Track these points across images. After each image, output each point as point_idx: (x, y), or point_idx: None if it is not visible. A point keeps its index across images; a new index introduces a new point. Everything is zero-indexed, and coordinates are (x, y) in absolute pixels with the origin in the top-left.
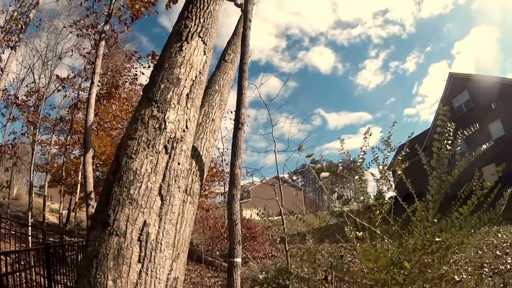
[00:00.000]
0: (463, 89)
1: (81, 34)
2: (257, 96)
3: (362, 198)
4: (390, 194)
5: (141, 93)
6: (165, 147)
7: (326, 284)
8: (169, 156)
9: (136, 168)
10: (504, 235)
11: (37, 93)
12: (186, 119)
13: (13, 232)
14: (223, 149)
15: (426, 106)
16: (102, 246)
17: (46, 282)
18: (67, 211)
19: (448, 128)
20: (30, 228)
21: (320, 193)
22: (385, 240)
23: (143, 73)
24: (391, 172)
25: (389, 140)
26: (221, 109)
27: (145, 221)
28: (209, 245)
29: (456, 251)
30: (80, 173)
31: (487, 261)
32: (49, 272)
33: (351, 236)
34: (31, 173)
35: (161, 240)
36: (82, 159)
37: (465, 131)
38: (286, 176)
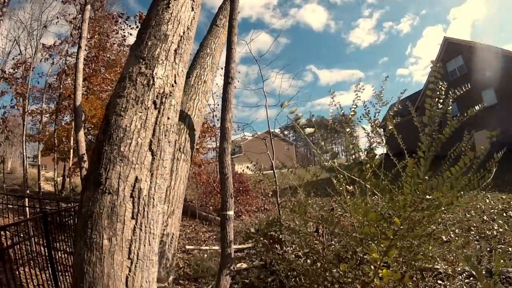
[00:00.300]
0: (458, 55)
1: (66, 0)
2: (248, 52)
3: (353, 152)
4: (380, 151)
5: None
6: (154, 102)
7: (316, 236)
8: (158, 111)
9: (126, 125)
10: (492, 201)
11: (24, 64)
12: (175, 74)
13: (11, 206)
14: (214, 105)
15: (419, 67)
16: (96, 206)
17: (46, 250)
18: (61, 178)
19: (440, 86)
20: (27, 199)
21: (310, 148)
22: (375, 195)
23: (131, 34)
24: (382, 129)
25: (381, 95)
26: (212, 71)
27: (136, 177)
28: (202, 200)
29: (445, 211)
30: (72, 139)
31: (474, 225)
32: (48, 240)
33: (341, 190)
34: (23, 144)
35: (153, 195)
36: (73, 124)
37: (457, 91)
38: (277, 131)
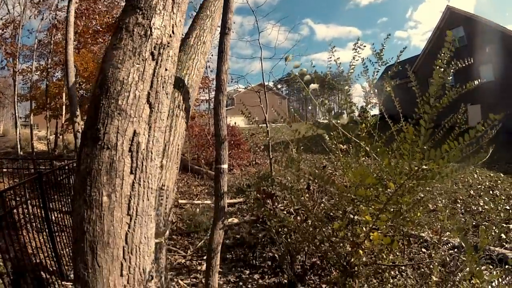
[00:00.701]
0: (459, 25)
1: None
2: (244, 1)
3: (349, 111)
4: (375, 111)
5: (123, 2)
6: (152, 53)
7: (307, 193)
8: (156, 63)
9: (123, 78)
10: (480, 177)
11: (12, 23)
12: (173, 24)
13: (5, 170)
14: (208, 56)
15: (418, 32)
16: (94, 162)
17: (43, 212)
18: (54, 136)
19: (443, 54)
20: (21, 161)
21: (304, 103)
22: (368, 156)
23: None
24: (376, 90)
25: (381, 54)
26: (211, 33)
27: (134, 131)
28: (194, 154)
29: (437, 181)
30: (64, 95)
31: (461, 197)
32: (44, 201)
33: (334, 148)
34: (15, 105)
35: (152, 148)
36: (65, 80)
37: (459, 62)
38: (271, 84)
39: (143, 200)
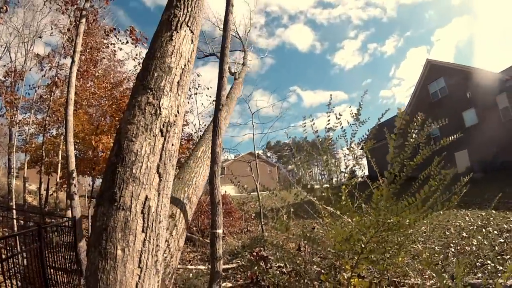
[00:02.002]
0: (440, 76)
1: (60, 10)
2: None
3: (333, 177)
4: (361, 172)
5: (120, 67)
6: (161, 130)
7: (299, 254)
8: (164, 139)
9: (137, 150)
10: (471, 219)
11: (14, 72)
12: (178, 105)
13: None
14: (200, 125)
15: (402, 89)
16: (110, 220)
17: (39, 265)
18: (45, 192)
19: (418, 117)
20: (14, 211)
21: (293, 171)
22: (345, 218)
23: (120, 49)
24: (362, 151)
25: (358, 115)
26: None
27: (146, 196)
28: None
29: (407, 230)
30: (60, 152)
31: (454, 241)
32: (42, 255)
33: (320, 212)
34: (13, 155)
35: (160, 212)
36: (61, 138)
37: (433, 123)
38: (260, 152)
39: (152, 256)
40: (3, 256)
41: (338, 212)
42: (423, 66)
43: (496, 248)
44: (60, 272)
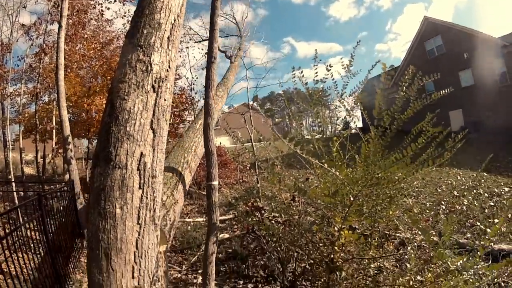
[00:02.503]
0: (437, 34)
1: None
2: (226, 23)
3: (325, 128)
4: (354, 124)
5: (109, 27)
6: (153, 86)
7: (293, 205)
8: (157, 94)
9: (130, 108)
10: (463, 178)
11: (1, 45)
12: (169, 60)
13: None
14: (192, 78)
15: (398, 43)
16: (107, 180)
17: (42, 234)
18: (42, 160)
19: (411, 70)
20: (13, 184)
21: (288, 120)
22: (333, 171)
23: (108, 8)
24: (355, 103)
25: (350, 66)
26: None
27: (141, 153)
28: None
29: (399, 183)
30: (54, 118)
31: (445, 199)
32: (44, 224)
33: (312, 163)
34: (7, 129)
35: (156, 167)
36: (53, 104)
37: (425, 77)
38: (254, 104)
39: (150, 211)
40: (7, 231)
41: (326, 166)
42: (420, 23)
43: (486, 210)
44: (62, 237)
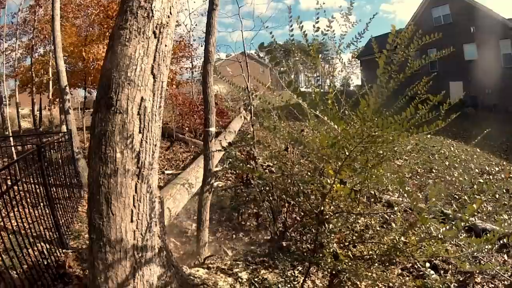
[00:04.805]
0: (445, 3)
1: None
2: None
3: (323, 82)
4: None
5: None
6: (154, 32)
7: (286, 154)
8: (158, 40)
9: (131, 54)
10: (456, 150)
11: None
12: (170, 6)
13: None
14: (191, 25)
15: (404, 6)
16: (108, 125)
17: (41, 187)
18: (38, 112)
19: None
20: (11, 139)
21: (287, 72)
22: (331, 123)
23: None
24: (354, 59)
25: (349, 14)
26: None
27: (142, 98)
28: (178, 122)
29: (394, 143)
30: (50, 70)
31: (436, 167)
32: (43, 176)
33: (308, 117)
34: (3, 85)
35: (155, 112)
36: (49, 55)
37: (425, 37)
38: (252, 52)
39: (149, 155)
40: (5, 187)
41: (325, 118)
42: None
43: (475, 186)
44: (61, 188)
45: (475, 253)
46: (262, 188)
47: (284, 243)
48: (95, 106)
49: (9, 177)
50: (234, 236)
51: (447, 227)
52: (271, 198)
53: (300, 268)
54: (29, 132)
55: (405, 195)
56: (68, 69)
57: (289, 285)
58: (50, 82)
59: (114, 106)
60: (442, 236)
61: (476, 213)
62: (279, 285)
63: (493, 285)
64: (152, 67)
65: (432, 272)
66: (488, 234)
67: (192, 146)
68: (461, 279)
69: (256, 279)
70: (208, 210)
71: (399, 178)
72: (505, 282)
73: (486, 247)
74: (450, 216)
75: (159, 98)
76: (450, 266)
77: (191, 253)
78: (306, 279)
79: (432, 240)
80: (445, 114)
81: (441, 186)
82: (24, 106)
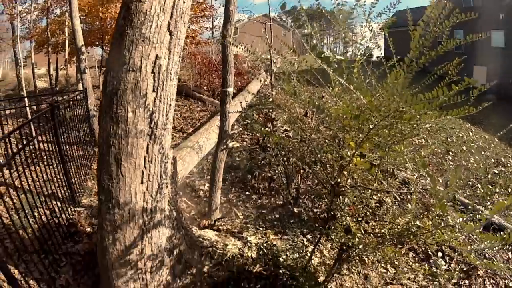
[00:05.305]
0: None
1: None
2: None
3: (348, 50)
4: (378, 53)
5: None
6: None
7: (305, 120)
8: None
9: (146, 10)
10: (474, 136)
11: None
12: None
13: (8, 112)
14: None
15: None
16: (120, 84)
17: (55, 145)
18: (55, 72)
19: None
20: (26, 99)
21: (311, 36)
22: (357, 93)
23: None
24: (380, 30)
25: None
26: None
27: (157, 55)
28: (196, 81)
29: (420, 121)
30: (66, 30)
31: (453, 150)
32: (56, 135)
33: (331, 84)
34: (18, 47)
35: (171, 70)
36: (65, 15)
37: (461, 14)
38: (275, 15)
39: (162, 115)
40: (19, 146)
41: (351, 87)
42: None
43: (489, 176)
44: (75, 146)
45: (486, 249)
46: (278, 152)
47: (296, 210)
48: (107, 64)
49: (23, 137)
50: (246, 198)
51: (465, 218)
52: (286, 163)
53: (309, 237)
54: (45, 91)
55: (427, 177)
56: (85, 29)
57: (297, 253)
58: (66, 41)
59: (127, 64)
60: (459, 227)
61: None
62: (287, 253)
63: (494, 281)
64: (168, 24)
65: (442, 262)
66: (503, 232)
67: (209, 105)
68: (464, 269)
69: (265, 244)
70: (222, 172)
71: (420, 158)
72: (506, 281)
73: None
74: (470, 207)
75: (175, 56)
76: (456, 254)
77: (202, 213)
78: (315, 249)
79: (446, 229)
80: (474, 100)
81: (462, 172)
82: (40, 66)
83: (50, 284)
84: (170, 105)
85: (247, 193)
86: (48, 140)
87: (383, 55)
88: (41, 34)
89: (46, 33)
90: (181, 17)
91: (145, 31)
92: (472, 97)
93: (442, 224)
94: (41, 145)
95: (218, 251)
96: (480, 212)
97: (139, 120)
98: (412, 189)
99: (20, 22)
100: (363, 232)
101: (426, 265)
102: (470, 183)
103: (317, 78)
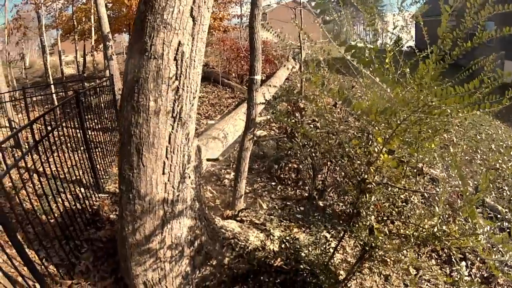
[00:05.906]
0: None
1: None
2: None
3: (378, 39)
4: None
5: None
6: None
7: (334, 111)
8: None
9: None
10: (504, 134)
11: None
12: None
13: (35, 99)
14: None
15: None
16: (142, 71)
17: (80, 132)
18: (82, 58)
19: None
20: (52, 86)
21: (335, 22)
22: (385, 87)
23: None
24: (411, 19)
25: None
26: None
27: (179, 42)
28: (225, 67)
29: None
30: (93, 17)
31: (482, 148)
32: (81, 121)
33: (361, 74)
34: (44, 35)
35: (194, 57)
36: (91, 3)
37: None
38: (305, 1)
39: (186, 104)
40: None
41: (377, 79)
42: None
43: None
44: (101, 133)
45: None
46: (305, 143)
47: (321, 203)
48: (128, 51)
49: (49, 123)
50: (271, 189)
51: (494, 227)
52: (313, 154)
53: (333, 232)
54: (72, 78)
55: (459, 180)
56: (112, 15)
57: (320, 249)
58: (93, 29)
59: (148, 51)
60: (486, 237)
61: None
62: (310, 248)
63: None
64: (191, 9)
65: (465, 273)
66: None
67: (238, 92)
68: (485, 275)
69: (287, 238)
70: (248, 161)
71: (450, 156)
72: None
73: None
74: (499, 216)
75: (199, 42)
76: (477, 259)
77: (226, 203)
78: (338, 246)
79: (474, 236)
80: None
81: (493, 175)
82: (68, 53)
83: (70, 269)
84: (194, 93)
85: (273, 183)
86: (74, 126)
87: (414, 45)
88: (67, 22)
89: (72, 21)
90: (205, 2)
91: (166, 17)
92: (508, 95)
93: (469, 231)
94: (67, 131)
95: (240, 242)
96: (509, 220)
97: (161, 109)
98: (440, 190)
99: (46, 10)
100: (387, 232)
101: (448, 269)
102: (498, 185)
103: (348, 66)
